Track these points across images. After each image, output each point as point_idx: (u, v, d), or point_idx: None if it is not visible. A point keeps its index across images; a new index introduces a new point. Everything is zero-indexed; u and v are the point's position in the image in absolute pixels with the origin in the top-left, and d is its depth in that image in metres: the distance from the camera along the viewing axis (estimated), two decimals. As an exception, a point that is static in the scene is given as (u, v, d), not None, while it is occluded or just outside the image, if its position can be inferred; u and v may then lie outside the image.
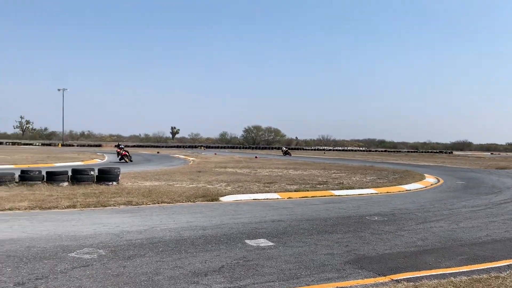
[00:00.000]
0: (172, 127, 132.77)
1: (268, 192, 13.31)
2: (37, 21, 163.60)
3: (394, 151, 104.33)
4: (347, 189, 14.67)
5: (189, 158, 39.69)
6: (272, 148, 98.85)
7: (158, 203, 10.64)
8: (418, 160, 47.87)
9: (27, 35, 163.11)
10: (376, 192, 14.55)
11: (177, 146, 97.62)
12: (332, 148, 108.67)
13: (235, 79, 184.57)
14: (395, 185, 16.61)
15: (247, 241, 6.72)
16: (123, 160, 29.47)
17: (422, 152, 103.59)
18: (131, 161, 30.10)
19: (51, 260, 5.37)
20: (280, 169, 24.48)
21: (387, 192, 14.68)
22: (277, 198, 12.36)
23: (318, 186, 15.40)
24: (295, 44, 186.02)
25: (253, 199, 12.02)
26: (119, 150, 30.43)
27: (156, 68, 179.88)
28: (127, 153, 30.27)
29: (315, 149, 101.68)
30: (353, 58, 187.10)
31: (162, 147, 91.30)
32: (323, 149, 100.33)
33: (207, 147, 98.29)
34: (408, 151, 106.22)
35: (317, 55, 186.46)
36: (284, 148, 64.30)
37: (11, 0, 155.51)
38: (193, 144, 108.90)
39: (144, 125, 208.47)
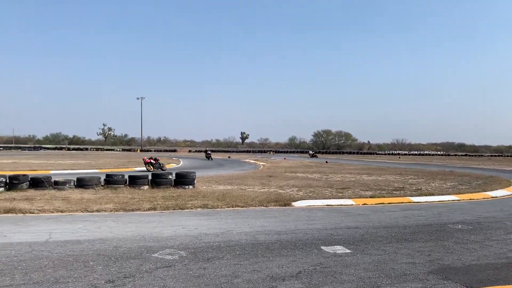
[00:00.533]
0: (242, 132, 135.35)
1: (342, 198, 13.05)
2: (116, 32, 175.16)
3: (475, 155, 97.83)
4: (426, 195, 13.97)
5: (259, 162, 40.16)
6: (343, 153, 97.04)
7: (232, 207, 10.85)
8: (503, 164, 44.44)
9: (108, 46, 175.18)
10: (458, 198, 13.69)
11: (247, 151, 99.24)
12: (407, 152, 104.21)
13: (304, 83, 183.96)
14: (478, 191, 15.53)
15: (323, 248, 6.62)
16: (208, 159, 44.20)
17: (508, 156, 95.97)
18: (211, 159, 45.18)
19: (137, 260, 5.67)
20: (352, 175, 23.93)
21: (470, 199, 13.76)
22: (352, 204, 12.07)
23: (395, 192, 14.83)
24: (368, 45, 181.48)
25: (327, 205, 11.85)
26: (208, 154, 47.43)
27: (227, 74, 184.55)
28: (211, 156, 46.67)
29: (388, 154, 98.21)
30: (434, 56, 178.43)
31: (233, 151, 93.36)
32: (398, 154, 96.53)
33: (276, 151, 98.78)
34: (492, 155, 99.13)
35: (388, 56, 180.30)
36: (311, 152, 73.64)
37: (91, 11, 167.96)
38: (262, 149, 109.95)
39: (215, 131, 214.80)
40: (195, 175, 14.98)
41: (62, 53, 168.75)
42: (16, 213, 9.53)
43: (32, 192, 12.78)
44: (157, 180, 14.50)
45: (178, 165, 34.25)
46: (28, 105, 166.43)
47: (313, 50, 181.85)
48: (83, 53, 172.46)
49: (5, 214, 9.36)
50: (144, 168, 26.27)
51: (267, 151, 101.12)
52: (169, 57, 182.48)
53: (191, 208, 10.55)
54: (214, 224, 8.46)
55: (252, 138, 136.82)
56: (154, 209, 10.29)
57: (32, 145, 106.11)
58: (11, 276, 4.87)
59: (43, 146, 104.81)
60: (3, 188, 13.07)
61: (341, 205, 11.99)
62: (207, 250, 6.30)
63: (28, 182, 13.59)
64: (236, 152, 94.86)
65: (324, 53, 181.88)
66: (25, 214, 9.46)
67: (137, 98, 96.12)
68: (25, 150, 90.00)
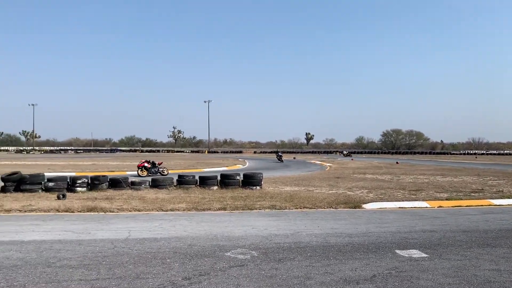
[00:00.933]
0: (306, 133, 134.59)
1: (415, 200, 12.50)
2: (184, 39, 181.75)
3: None
4: (508, 198, 12.99)
5: (325, 163, 39.67)
6: (415, 153, 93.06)
7: (300, 208, 10.81)
8: None
9: (175, 51, 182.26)
10: (547, 202, 12.57)
11: (312, 152, 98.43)
12: (484, 152, 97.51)
13: (370, 81, 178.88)
14: None
15: (398, 251, 6.38)
16: (280, 161, 42.74)
17: None
18: (282, 161, 43.22)
19: (211, 258, 5.83)
20: (425, 176, 22.87)
21: (562, 203, 12.58)
22: (426, 207, 11.53)
23: (473, 194, 13.95)
24: (435, 40, 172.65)
25: (399, 207, 11.42)
26: (279, 155, 44.66)
27: (292, 74, 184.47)
28: (282, 157, 44.65)
29: (464, 154, 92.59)
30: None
31: (297, 152, 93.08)
32: (474, 153, 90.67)
33: (342, 152, 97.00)
34: None
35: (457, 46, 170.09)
36: (345, 152, 77.86)
37: (159, 17, 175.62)
38: (328, 149, 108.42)
39: (280, 132, 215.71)
40: (262, 176, 15.12)
41: (135, 60, 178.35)
42: (98, 211, 10.19)
43: (111, 192, 13.61)
44: (226, 181, 14.83)
45: (244, 166, 34.78)
46: (105, 110, 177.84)
47: (378, 47, 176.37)
48: (154, 59, 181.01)
49: (88, 213, 10.06)
50: (214, 169, 26.66)
51: (333, 151, 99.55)
52: (235, 59, 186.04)
53: (259, 209, 10.65)
54: (283, 225, 8.48)
55: (317, 139, 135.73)
56: (224, 209, 10.53)
57: (109, 148, 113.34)
58: (97, 271, 5.22)
59: (118, 148, 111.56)
60: (85, 188, 14.05)
61: (414, 207, 11.50)
62: (278, 250, 6.33)
63: (107, 183, 14.50)
64: (301, 153, 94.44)
65: (389, 49, 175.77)
66: (106, 212, 10.09)
67: (205, 101, 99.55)
68: (102, 152, 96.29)
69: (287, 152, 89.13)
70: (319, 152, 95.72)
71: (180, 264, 5.52)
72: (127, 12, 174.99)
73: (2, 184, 13.77)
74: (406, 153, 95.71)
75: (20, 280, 4.84)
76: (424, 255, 6.21)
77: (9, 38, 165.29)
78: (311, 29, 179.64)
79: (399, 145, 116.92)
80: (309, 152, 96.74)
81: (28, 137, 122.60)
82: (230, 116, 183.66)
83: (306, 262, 5.71)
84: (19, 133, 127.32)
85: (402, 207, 11.44)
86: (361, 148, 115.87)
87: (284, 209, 10.68)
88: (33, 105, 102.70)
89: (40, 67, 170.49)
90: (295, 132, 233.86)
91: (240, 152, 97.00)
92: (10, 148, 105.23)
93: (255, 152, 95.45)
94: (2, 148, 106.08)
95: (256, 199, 12.07)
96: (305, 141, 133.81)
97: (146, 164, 23.07)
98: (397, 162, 42.30)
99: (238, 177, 15.10)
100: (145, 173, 22.73)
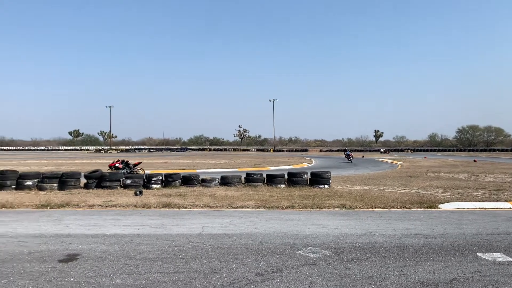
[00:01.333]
0: (375, 130, 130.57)
1: (497, 200, 11.68)
2: (251, 38, 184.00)
3: None
4: None
5: (396, 162, 38.28)
6: (494, 151, 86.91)
7: (372, 208, 10.52)
8: None
9: (239, 50, 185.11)
10: None
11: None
12: None
13: (443, 75, 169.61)
14: None
15: (480, 254, 6.00)
16: (349, 161, 39.05)
17: None
18: (351, 160, 39.25)
19: (282, 256, 5.86)
20: (507, 175, 21.28)
21: None
22: (510, 208, 10.74)
23: None
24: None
25: (479, 208, 10.73)
26: (347, 154, 40.52)
27: (358, 70, 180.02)
28: (352, 156, 40.42)
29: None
30: None
31: (366, 151, 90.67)
32: None
33: (415, 150, 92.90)
34: None
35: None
36: (382, 150, 76.31)
37: (233, 19, 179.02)
38: (399, 147, 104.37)
39: (346, 129, 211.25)
40: (330, 175, 14.92)
41: (204, 60, 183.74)
42: (172, 207, 10.64)
43: (183, 189, 14.14)
44: (293, 179, 14.81)
45: (310, 165, 34.52)
46: (176, 110, 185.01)
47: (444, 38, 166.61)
48: (218, 61, 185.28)
49: (163, 208, 10.53)
50: (280, 167, 26.69)
51: (404, 149, 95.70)
52: (300, 56, 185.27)
53: (328, 208, 10.52)
54: (354, 224, 8.30)
55: (387, 136, 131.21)
56: (293, 207, 10.52)
57: (179, 147, 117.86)
58: (174, 264, 5.45)
59: (188, 147, 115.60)
60: (159, 185, 14.73)
61: (496, 208, 10.75)
62: (350, 250, 6.21)
63: (180, 180, 15.09)
64: (370, 151, 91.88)
65: (474, 41, 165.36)
66: (179, 208, 10.50)
67: (269, 100, 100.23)
68: (173, 151, 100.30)
69: (355, 150, 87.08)
70: (389, 150, 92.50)
71: (252, 260, 5.61)
72: (197, 14, 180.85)
73: (85, 181, 14.83)
74: (484, 150, 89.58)
75: (105, 271, 5.19)
76: (510, 259, 5.79)
77: (92, 42, 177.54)
78: (374, 31, 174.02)
79: (476, 142, 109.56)
80: (378, 150, 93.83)
81: (106, 137, 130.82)
82: (295, 114, 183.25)
83: (380, 262, 5.56)
84: (98, 133, 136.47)
85: (482, 208, 10.73)
86: (434, 145, 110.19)
87: (354, 208, 10.46)
88: (110, 107, 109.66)
89: (116, 71, 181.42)
90: (363, 129, 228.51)
91: (306, 150, 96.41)
92: (90, 147, 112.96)
93: (321, 151, 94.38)
94: (83, 147, 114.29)
95: (325, 198, 11.94)
96: (374, 139, 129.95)
97: (117, 165, 20.98)
98: (474, 160, 39.78)
99: (305, 176, 15.03)
100: None
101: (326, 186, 14.51)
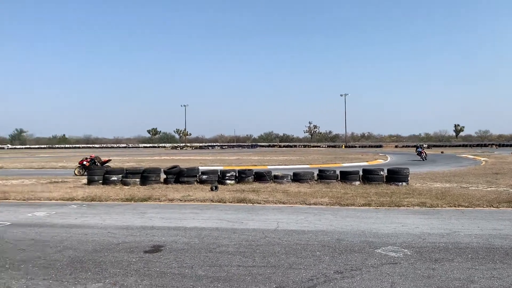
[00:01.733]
0: (455, 125, 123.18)
1: None
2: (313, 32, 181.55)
3: None
4: None
5: (479, 158, 35.81)
6: None
7: (455, 206, 9.93)
8: None
9: (309, 45, 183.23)
10: None
11: (463, 145, 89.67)
12: None
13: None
14: None
15: None
16: (421, 158, 33.50)
17: None
18: (425, 158, 33.61)
19: (360, 254, 5.73)
20: None
21: None
22: None
23: None
24: None
25: None
26: (419, 150, 34.59)
27: (434, 61, 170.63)
28: (425, 153, 34.29)
29: None
30: None
31: (445, 146, 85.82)
32: None
33: (500, 145, 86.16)
34: None
35: None
36: (425, 145, 58.02)
37: (302, 14, 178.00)
38: (482, 142, 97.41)
39: (424, 124, 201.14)
40: (408, 172, 14.31)
41: (278, 55, 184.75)
42: (246, 202, 10.84)
43: (256, 185, 14.35)
44: (369, 176, 14.42)
45: (386, 161, 33.35)
46: (247, 108, 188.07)
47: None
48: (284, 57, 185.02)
49: (238, 204, 10.76)
50: (353, 164, 26.07)
51: (488, 144, 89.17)
52: (372, 48, 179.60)
53: (407, 206, 10.10)
54: (436, 223, 7.89)
55: (469, 131, 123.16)
56: (369, 205, 10.25)
57: (250, 143, 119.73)
58: (252, 259, 5.56)
59: (258, 144, 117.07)
60: (233, 181, 15.07)
61: None
62: (433, 250, 5.92)
63: (253, 176, 15.33)
64: (449, 146, 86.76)
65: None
66: (253, 204, 10.67)
67: (341, 95, 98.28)
68: (244, 147, 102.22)
69: (433, 146, 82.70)
70: (470, 146, 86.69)
71: (330, 258, 5.55)
72: (269, 12, 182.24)
73: (164, 176, 15.59)
74: None
75: (188, 263, 5.42)
76: None
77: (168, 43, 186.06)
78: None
79: None
80: (459, 146, 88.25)
81: (181, 134, 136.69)
82: (368, 108, 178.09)
83: (467, 264, 5.24)
84: (173, 131, 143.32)
85: None
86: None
87: (435, 206, 9.94)
88: (185, 105, 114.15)
89: (190, 71, 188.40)
90: (441, 124, 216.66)
91: (380, 146, 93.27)
92: (167, 145, 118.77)
93: (396, 147, 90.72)
94: (160, 145, 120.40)
95: (403, 195, 11.47)
96: (454, 134, 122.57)
97: (84, 163, 20.85)
98: None
99: (381, 172, 14.54)
100: (82, 171, 20.70)
101: (404, 183, 13.94)
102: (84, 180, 16.52)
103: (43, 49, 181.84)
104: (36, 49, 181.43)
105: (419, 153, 34.46)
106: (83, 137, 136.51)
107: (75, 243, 6.62)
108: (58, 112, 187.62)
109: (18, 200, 12.00)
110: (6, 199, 12.15)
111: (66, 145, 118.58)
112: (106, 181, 15.40)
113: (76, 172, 21.28)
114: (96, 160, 21.66)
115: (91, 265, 5.39)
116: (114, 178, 15.42)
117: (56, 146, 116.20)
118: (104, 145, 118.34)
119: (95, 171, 15.96)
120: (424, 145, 35.07)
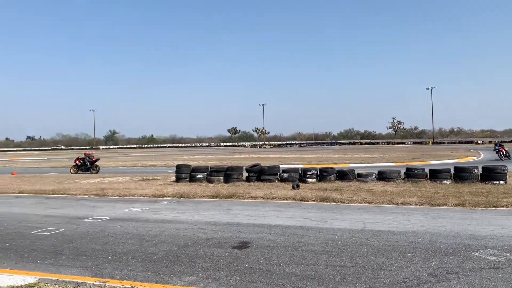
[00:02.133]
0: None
1: None
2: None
3: None
4: None
5: None
6: None
7: None
8: None
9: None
10: None
11: None
12: None
13: None
14: None
15: None
16: (499, 157, 28.14)
17: None
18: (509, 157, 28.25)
19: (456, 257, 5.40)
20: None
21: None
22: None
23: None
24: None
25: None
26: (499, 148, 28.91)
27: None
28: (504, 150, 28.71)
29: None
30: None
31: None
32: None
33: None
34: None
35: None
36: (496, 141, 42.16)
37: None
38: None
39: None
40: (506, 169, 13.17)
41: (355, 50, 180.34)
42: (329, 201, 10.70)
43: (339, 184, 14.10)
44: (461, 174, 13.50)
45: (478, 158, 30.96)
46: (324, 104, 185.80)
47: None
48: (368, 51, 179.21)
49: (321, 202, 10.67)
50: (442, 161, 24.58)
51: None
52: (464, 36, 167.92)
53: (506, 207, 9.31)
54: (543, 226, 7.18)
55: None
56: (462, 205, 9.61)
57: (329, 141, 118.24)
58: (340, 258, 5.48)
59: (338, 141, 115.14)
60: (315, 179, 14.96)
61: None
62: (541, 256, 5.40)
63: (335, 174, 15.10)
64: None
65: None
66: (337, 203, 10.51)
67: (427, 89, 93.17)
68: (323, 145, 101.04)
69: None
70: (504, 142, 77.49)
71: (422, 260, 5.30)
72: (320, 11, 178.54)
73: (246, 174, 15.93)
74: None
75: (275, 260, 5.49)
76: None
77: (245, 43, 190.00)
78: None
79: None
80: None
81: (259, 133, 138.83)
82: (457, 102, 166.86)
83: None
84: (252, 130, 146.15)
85: None
86: None
87: (540, 207, 9.06)
88: (263, 105, 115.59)
89: (269, 72, 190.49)
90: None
91: (471, 142, 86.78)
92: (246, 143, 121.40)
93: (490, 142, 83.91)
94: (240, 143, 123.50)
95: (501, 195, 10.59)
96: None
97: (77, 162, 23.83)
98: None
99: (475, 170, 13.53)
100: (76, 170, 23.67)
101: (501, 182, 12.86)
102: (173, 177, 17.41)
103: (140, 55, 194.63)
104: (130, 55, 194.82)
105: (497, 151, 29.34)
106: (169, 137, 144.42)
107: (168, 238, 7.02)
108: (144, 114, 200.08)
109: (115, 196, 13.01)
110: (105, 195, 13.23)
111: (154, 145, 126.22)
112: (192, 179, 16.11)
113: (71, 171, 23.91)
114: (86, 160, 24.12)
115: (184, 258, 5.67)
116: (199, 176, 16.08)
117: (145, 146, 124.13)
118: (188, 144, 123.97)
119: (183, 169, 16.75)
120: (499, 144, 27.11)
